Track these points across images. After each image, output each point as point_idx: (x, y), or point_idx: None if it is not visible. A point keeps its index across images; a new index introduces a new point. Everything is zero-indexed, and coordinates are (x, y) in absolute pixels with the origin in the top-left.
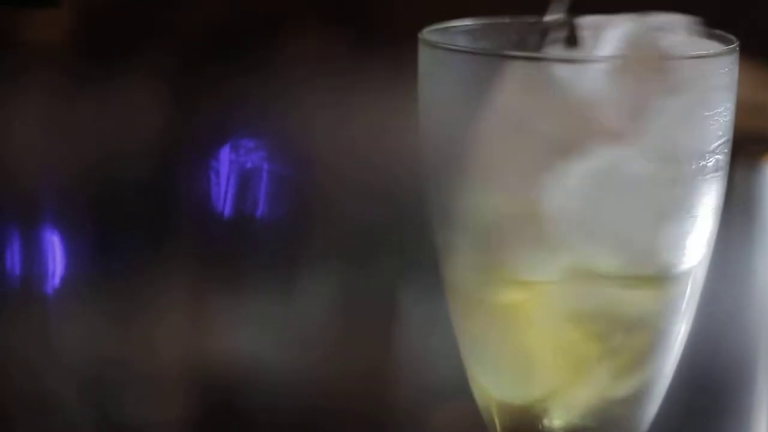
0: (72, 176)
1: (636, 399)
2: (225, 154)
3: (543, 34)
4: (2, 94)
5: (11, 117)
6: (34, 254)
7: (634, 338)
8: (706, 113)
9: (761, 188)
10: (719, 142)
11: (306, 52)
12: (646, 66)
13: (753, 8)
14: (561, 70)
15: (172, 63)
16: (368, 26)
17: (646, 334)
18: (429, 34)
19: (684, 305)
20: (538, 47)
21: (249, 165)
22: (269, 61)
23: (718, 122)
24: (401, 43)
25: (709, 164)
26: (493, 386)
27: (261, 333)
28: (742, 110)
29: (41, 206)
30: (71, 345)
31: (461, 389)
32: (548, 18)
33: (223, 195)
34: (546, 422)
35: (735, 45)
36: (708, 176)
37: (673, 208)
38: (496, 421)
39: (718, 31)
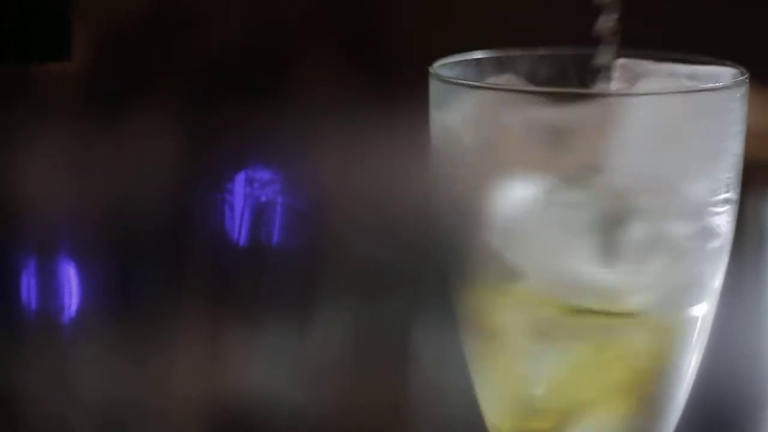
0: (89, 213)
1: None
2: (240, 188)
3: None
4: (22, 135)
5: (30, 158)
6: (51, 290)
7: (643, 371)
8: (717, 144)
9: None
10: (730, 173)
11: (321, 88)
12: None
13: (763, 35)
14: (570, 105)
15: (187, 99)
16: (385, 63)
17: (656, 367)
18: (439, 68)
19: (695, 337)
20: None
21: (263, 199)
22: (283, 97)
23: (729, 153)
24: (417, 78)
25: (720, 195)
26: (506, 421)
27: (275, 368)
28: (753, 138)
29: (59, 242)
30: (86, 379)
31: (474, 425)
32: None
33: (238, 229)
34: None
35: (745, 77)
36: (720, 207)
37: (685, 240)
38: None
39: (728, 62)
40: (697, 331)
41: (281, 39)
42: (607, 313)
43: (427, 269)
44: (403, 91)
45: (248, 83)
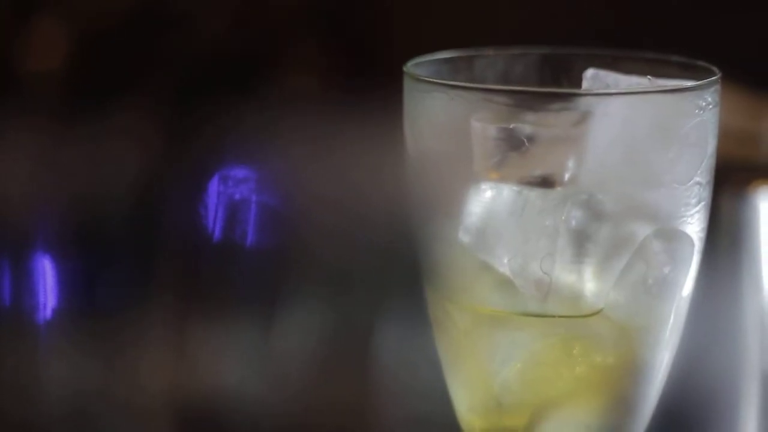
0: (63, 210)
1: (617, 429)
2: (214, 186)
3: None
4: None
5: (6, 154)
6: (24, 286)
7: (611, 370)
8: (689, 144)
9: (748, 216)
10: (703, 172)
11: (298, 87)
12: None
13: (739, 36)
14: (541, 105)
15: (163, 98)
16: (363, 61)
17: (624, 365)
18: (413, 66)
19: (665, 337)
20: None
21: (237, 197)
22: (259, 96)
23: (701, 153)
24: (395, 76)
25: (693, 194)
26: (479, 418)
27: (244, 365)
28: (729, 138)
29: (33, 239)
30: (57, 374)
31: (448, 423)
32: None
33: (212, 226)
34: None
35: (717, 77)
36: (691, 207)
37: (654, 242)
38: None
39: (700, 63)
40: (667, 331)
41: (259, 38)
42: (571, 314)
43: (400, 267)
44: (381, 89)
45: (225, 82)
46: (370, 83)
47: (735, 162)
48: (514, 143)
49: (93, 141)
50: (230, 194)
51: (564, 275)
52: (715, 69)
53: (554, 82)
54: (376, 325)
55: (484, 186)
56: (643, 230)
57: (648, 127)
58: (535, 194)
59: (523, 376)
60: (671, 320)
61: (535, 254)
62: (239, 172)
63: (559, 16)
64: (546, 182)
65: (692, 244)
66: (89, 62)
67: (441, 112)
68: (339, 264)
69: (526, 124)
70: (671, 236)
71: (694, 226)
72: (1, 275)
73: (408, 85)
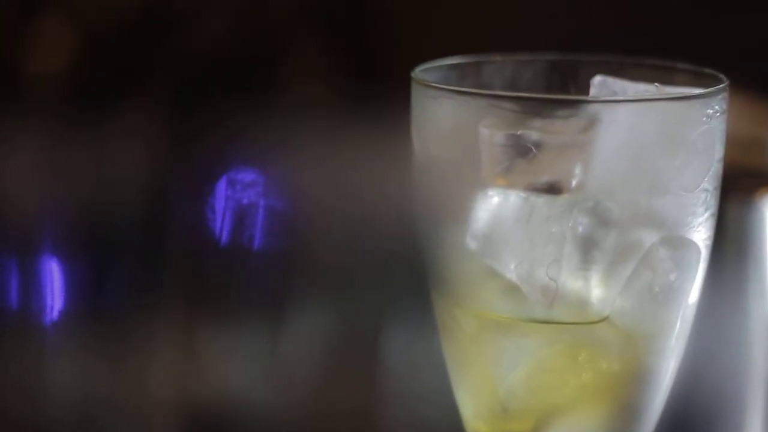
0: (70, 212)
1: None
2: (221, 189)
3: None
4: (4, 134)
5: (12, 156)
6: (30, 288)
7: (617, 377)
8: (697, 152)
9: (755, 223)
10: (710, 179)
11: (305, 90)
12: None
13: (747, 43)
14: (548, 112)
15: (170, 100)
16: (371, 65)
17: (630, 372)
18: (421, 72)
19: (670, 344)
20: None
21: (245, 201)
22: (267, 99)
23: (709, 160)
24: (403, 81)
25: (700, 202)
26: (485, 423)
27: (251, 369)
28: (737, 145)
29: (39, 241)
30: (64, 377)
31: (454, 428)
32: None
33: (219, 230)
34: None
35: (725, 84)
36: (698, 215)
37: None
38: None
39: (708, 70)
40: (673, 338)
41: (266, 40)
42: (578, 321)
43: (407, 272)
44: (388, 93)
45: (232, 84)
46: (375, 86)
47: (742, 169)
48: (521, 150)
49: (101, 143)
50: (237, 198)
51: (570, 282)
52: (722, 76)
53: (562, 89)
54: (382, 330)
55: (491, 192)
56: (649, 237)
57: (655, 135)
58: (542, 201)
59: (529, 383)
60: (677, 328)
61: (541, 260)
62: (246, 176)
63: (559, 16)
64: (553, 189)
65: (699, 252)
66: (94, 64)
67: (448, 117)
68: (346, 268)
69: (534, 130)
70: (678, 244)
71: (701, 233)
72: (8, 277)
73: (416, 90)
